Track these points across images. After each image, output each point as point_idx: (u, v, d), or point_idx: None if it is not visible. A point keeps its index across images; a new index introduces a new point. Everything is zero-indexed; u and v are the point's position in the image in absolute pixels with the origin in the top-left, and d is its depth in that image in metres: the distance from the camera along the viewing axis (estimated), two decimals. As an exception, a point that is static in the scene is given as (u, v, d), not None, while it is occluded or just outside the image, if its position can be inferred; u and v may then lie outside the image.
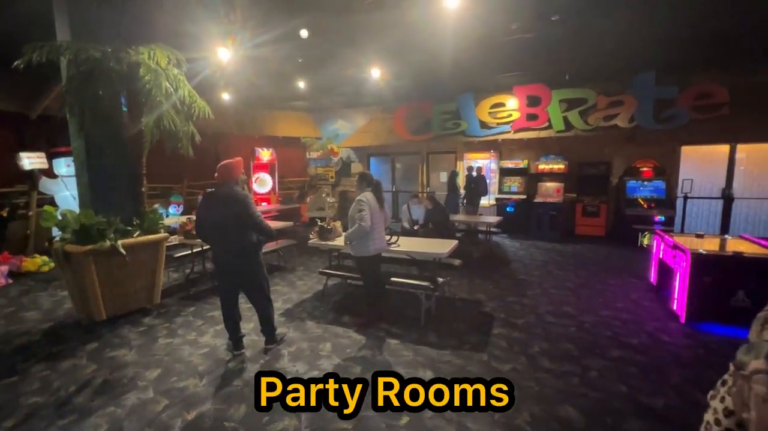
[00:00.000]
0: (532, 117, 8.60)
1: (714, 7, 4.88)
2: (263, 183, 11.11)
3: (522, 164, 9.04)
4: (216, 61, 5.48)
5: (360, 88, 8.95)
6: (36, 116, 7.26)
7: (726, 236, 4.75)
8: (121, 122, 4.12)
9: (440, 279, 4.22)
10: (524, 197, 8.82)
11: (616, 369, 3.06)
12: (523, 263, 6.39)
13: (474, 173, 8.49)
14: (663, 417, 2.48)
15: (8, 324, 4.08)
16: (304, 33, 5.17)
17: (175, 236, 5.12)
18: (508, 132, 8.95)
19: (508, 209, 8.86)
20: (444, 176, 10.86)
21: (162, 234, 4.41)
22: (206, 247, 5.47)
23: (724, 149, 7.69)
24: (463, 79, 8.33)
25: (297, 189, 12.53)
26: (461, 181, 9.10)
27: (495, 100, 8.98)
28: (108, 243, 3.85)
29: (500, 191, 9.26)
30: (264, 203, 10.82)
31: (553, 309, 4.34)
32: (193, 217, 5.44)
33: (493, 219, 7.08)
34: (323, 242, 4.59)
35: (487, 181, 8.89)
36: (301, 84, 8.30)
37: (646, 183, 7.76)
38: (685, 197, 7.84)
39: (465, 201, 8.52)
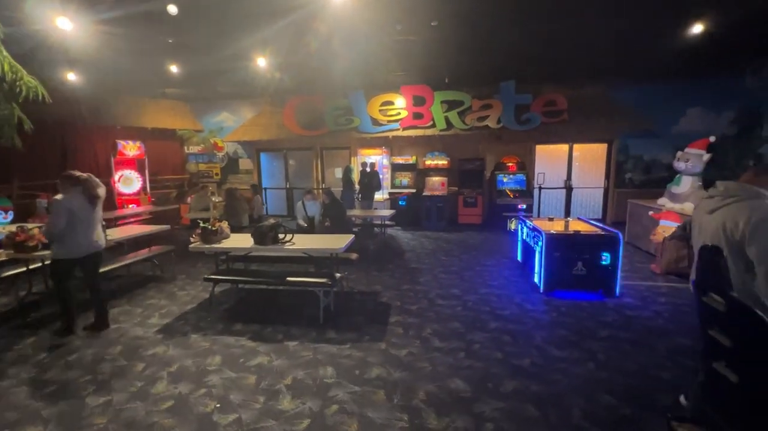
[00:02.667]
0: (418, 116, 9.20)
1: (553, 33, 5.92)
2: (129, 182, 9.51)
3: (411, 160, 9.61)
4: (56, 33, 4.43)
5: (246, 78, 8.32)
6: None
7: (568, 218, 5.80)
8: None
9: (338, 275, 4.22)
10: (414, 190, 9.41)
11: (493, 339, 3.49)
12: (415, 252, 6.81)
13: (368, 169, 8.69)
14: (528, 373, 2.92)
15: None
16: (172, 9, 4.54)
17: (0, 251, 4.03)
18: (398, 129, 9.42)
19: (400, 202, 9.33)
20: (339, 172, 10.88)
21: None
22: (48, 262, 4.46)
23: (565, 147, 9.41)
24: (355, 76, 8.43)
25: (175, 188, 11.07)
26: (356, 176, 9.24)
27: (385, 98, 9.34)
28: None
29: (393, 186, 9.69)
30: (132, 206, 9.29)
31: (442, 292, 4.72)
32: (28, 225, 4.37)
33: (387, 213, 7.37)
34: (208, 246, 4.15)
35: (381, 176, 9.20)
36: (174, 68, 7.32)
37: (511, 176, 9.01)
38: (540, 188, 9.40)
39: (360, 196, 8.68)
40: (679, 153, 5.92)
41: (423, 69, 8.17)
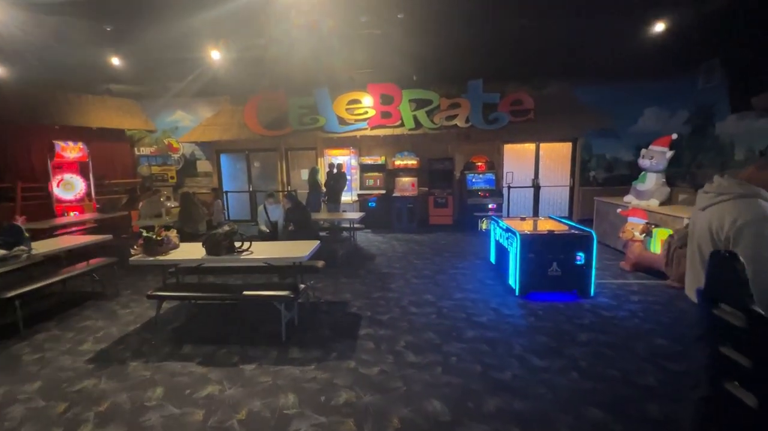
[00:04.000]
0: (386, 115, 8.94)
1: (520, 31, 5.85)
2: (70, 187, 8.60)
3: (380, 160, 9.32)
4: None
5: (200, 74, 7.74)
6: None
7: (539, 217, 5.74)
8: None
9: (302, 285, 3.85)
10: (384, 192, 9.13)
11: (471, 350, 3.25)
12: (386, 256, 6.53)
13: (335, 170, 8.33)
14: (511, 388, 2.70)
15: None
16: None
17: None
18: (365, 129, 9.11)
19: (369, 204, 9.02)
20: (305, 174, 10.41)
21: None
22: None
23: (532, 146, 9.48)
24: (319, 73, 8.05)
25: (126, 193, 10.17)
26: (322, 178, 8.84)
27: (351, 97, 9.01)
28: None
29: (362, 187, 9.37)
30: (74, 213, 8.40)
31: (415, 299, 4.46)
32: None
33: (356, 215, 7.05)
34: (152, 258, 3.65)
35: (348, 177, 8.86)
36: (116, 61, 6.65)
37: (480, 176, 8.94)
38: (509, 187, 9.40)
39: (327, 199, 8.30)
40: (644, 151, 6.00)
41: (390, 67, 7.92)
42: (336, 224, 7.41)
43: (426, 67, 7.93)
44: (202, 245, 3.74)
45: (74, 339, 3.64)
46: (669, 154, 5.71)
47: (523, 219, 5.35)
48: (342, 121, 9.11)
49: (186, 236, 4.95)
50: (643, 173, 6.07)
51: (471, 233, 8.15)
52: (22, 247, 3.92)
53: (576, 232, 4.43)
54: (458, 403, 2.54)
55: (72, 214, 8.32)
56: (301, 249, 3.79)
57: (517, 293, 4.41)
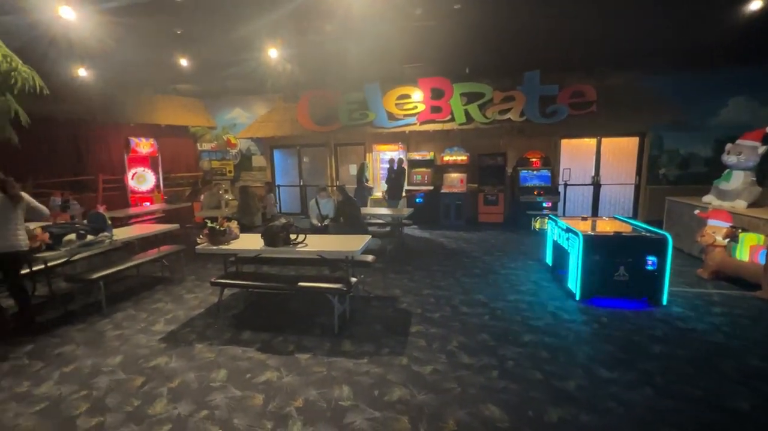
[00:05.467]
0: (436, 109, 8.77)
1: (581, 18, 5.43)
2: (143, 180, 9.40)
3: (428, 155, 9.19)
4: (62, 23, 4.21)
5: (258, 73, 8.06)
6: None
7: (603, 217, 5.33)
8: None
9: (353, 279, 3.88)
10: (432, 188, 9.00)
11: (529, 355, 3.09)
12: (434, 253, 6.43)
13: (395, 166, 8.30)
14: (576, 399, 2.52)
15: None
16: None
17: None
18: (415, 124, 9.01)
19: (417, 200, 8.94)
20: (353, 169, 10.56)
21: (-28, 251, 3.20)
22: (54, 262, 4.27)
23: (592, 142, 8.84)
24: (370, 68, 8.07)
25: (189, 186, 10.93)
26: (370, 174, 8.91)
27: (401, 92, 8.94)
28: None
29: (409, 183, 9.31)
30: (146, 203, 9.17)
31: (466, 299, 4.34)
32: (30, 225, 4.17)
33: (404, 211, 7.00)
34: (215, 247, 3.87)
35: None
36: (184, 62, 7.11)
37: (535, 172, 8.51)
38: (565, 185, 8.86)
39: (387, 195, 8.33)
40: (729, 146, 5.35)
41: (442, 60, 7.76)
42: (384, 220, 7.41)
43: (479, 59, 7.67)
44: (261, 236, 3.89)
45: (148, 319, 3.96)
46: (762, 149, 5.04)
47: (584, 219, 5.00)
48: (391, 116, 9.08)
49: (243, 228, 5.20)
50: (727, 170, 5.42)
51: (523, 233, 7.80)
52: (105, 233, 4.32)
53: (648, 234, 4.05)
54: (517, 410, 2.42)
55: (144, 204, 9.10)
56: (353, 243, 3.82)
57: (577, 297, 4.14)
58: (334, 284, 3.64)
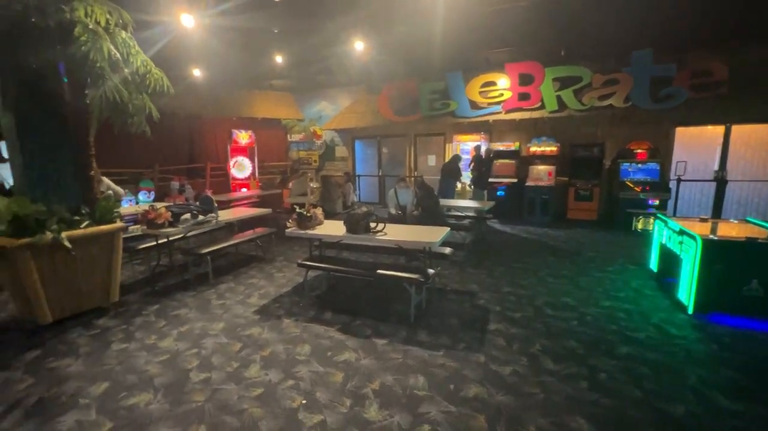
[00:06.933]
0: (524, 96, 8.21)
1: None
2: (242, 168, 10.49)
3: (513, 146, 8.68)
4: (180, 29, 4.84)
5: (343, 66, 8.38)
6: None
7: (731, 219, 4.50)
8: (62, 95, 3.53)
9: (431, 270, 3.85)
10: (515, 180, 8.49)
11: (626, 369, 2.76)
12: (516, 249, 6.09)
13: (482, 154, 7.98)
14: (686, 427, 2.19)
15: (-62, 329, 3.55)
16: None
17: (137, 226, 4.60)
18: (499, 113, 8.56)
19: (498, 193, 8.53)
20: (432, 160, 10.46)
21: (117, 224, 3.88)
22: (174, 237, 4.99)
23: (716, 130, 7.48)
24: (452, 56, 7.85)
25: (279, 174, 11.92)
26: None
27: (486, 79, 8.54)
28: (49, 236, 3.32)
29: (491, 175, 8.89)
30: (243, 189, 10.24)
31: (551, 300, 4.03)
32: (157, 204, 4.93)
33: (484, 204, 6.73)
34: (302, 231, 4.15)
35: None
36: (279, 59, 7.67)
37: (640, 165, 7.50)
38: (678, 180, 7.65)
39: (473, 185, 8.06)
40: None
41: (533, 42, 7.19)
42: (463, 212, 7.22)
43: (578, 39, 6.93)
44: (343, 223, 4.07)
45: (244, 292, 4.43)
46: None
47: (704, 220, 4.27)
48: (474, 105, 8.74)
49: (325, 215, 5.50)
50: None
51: (621, 233, 6.98)
52: (213, 214, 4.92)
53: (795, 243, 3.31)
54: (610, 427, 2.19)
55: (242, 190, 10.16)
56: (432, 235, 3.79)
57: (690, 310, 3.57)
58: (411, 273, 3.66)
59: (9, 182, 6.19)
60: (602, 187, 8.02)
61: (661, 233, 4.50)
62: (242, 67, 8.57)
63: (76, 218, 3.63)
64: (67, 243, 3.39)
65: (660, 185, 7.19)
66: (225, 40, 6.44)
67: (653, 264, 4.74)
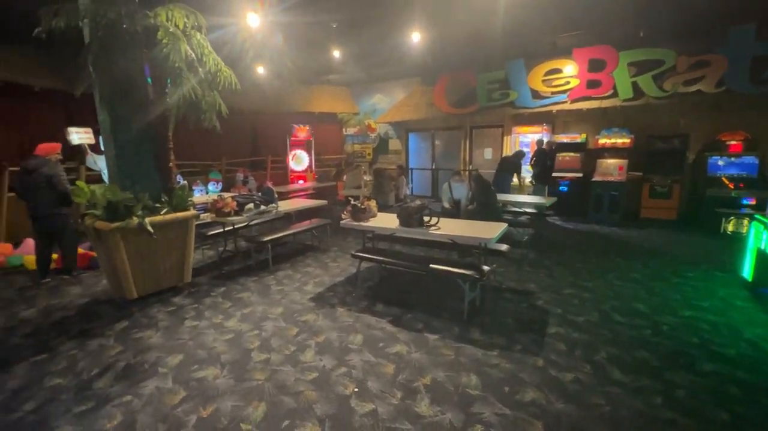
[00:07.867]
0: (593, 84, 7.58)
1: None
2: (299, 161, 10.93)
3: (579, 138, 8.06)
4: (245, 28, 5.12)
5: (399, 58, 8.33)
6: (80, 92, 7.38)
7: None
8: (146, 93, 3.91)
9: (486, 267, 3.72)
10: (580, 175, 7.90)
11: (710, 388, 2.46)
12: (579, 249, 5.68)
13: (545, 147, 7.54)
14: (787, 461, 1.90)
15: (50, 297, 4.15)
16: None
17: (207, 214, 4.99)
18: (565, 102, 7.99)
19: (561, 188, 8.00)
20: (488, 153, 10.08)
21: (191, 212, 4.24)
22: (238, 225, 5.34)
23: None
24: (513, 43, 7.46)
25: (334, 167, 12.26)
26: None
27: (550, 66, 8.01)
28: (135, 221, 3.72)
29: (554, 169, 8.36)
30: (300, 181, 10.67)
31: (620, 305, 3.71)
32: (225, 194, 5.31)
33: (545, 200, 6.35)
34: (356, 223, 4.22)
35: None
36: (336, 53, 7.82)
37: (733, 159, 6.59)
38: (783, 176, 6.60)
39: (535, 180, 7.65)
40: None
41: (606, 25, 6.59)
42: (521, 208, 6.89)
43: (660, 17, 6.22)
44: (397, 216, 4.06)
45: (301, 280, 4.63)
46: None
47: (817, 224, 3.65)
48: (536, 94, 8.25)
49: (377, 208, 5.55)
50: None
51: (706, 235, 6.22)
52: (273, 205, 5.18)
53: None
54: (691, 452, 1.97)
55: (299, 182, 10.59)
56: (488, 231, 3.65)
57: (795, 328, 3.08)
58: (466, 269, 3.56)
59: (105, 172, 7.03)
60: (684, 183, 7.18)
61: (759, 236, 3.92)
62: (301, 63, 8.87)
63: (157, 205, 4.02)
64: (150, 228, 3.77)
65: (758, 182, 6.27)
66: (285, 37, 6.69)
67: (747, 272, 4.15)
